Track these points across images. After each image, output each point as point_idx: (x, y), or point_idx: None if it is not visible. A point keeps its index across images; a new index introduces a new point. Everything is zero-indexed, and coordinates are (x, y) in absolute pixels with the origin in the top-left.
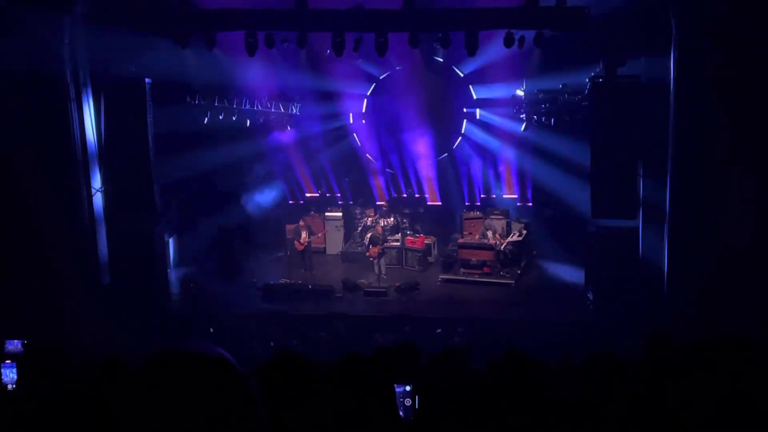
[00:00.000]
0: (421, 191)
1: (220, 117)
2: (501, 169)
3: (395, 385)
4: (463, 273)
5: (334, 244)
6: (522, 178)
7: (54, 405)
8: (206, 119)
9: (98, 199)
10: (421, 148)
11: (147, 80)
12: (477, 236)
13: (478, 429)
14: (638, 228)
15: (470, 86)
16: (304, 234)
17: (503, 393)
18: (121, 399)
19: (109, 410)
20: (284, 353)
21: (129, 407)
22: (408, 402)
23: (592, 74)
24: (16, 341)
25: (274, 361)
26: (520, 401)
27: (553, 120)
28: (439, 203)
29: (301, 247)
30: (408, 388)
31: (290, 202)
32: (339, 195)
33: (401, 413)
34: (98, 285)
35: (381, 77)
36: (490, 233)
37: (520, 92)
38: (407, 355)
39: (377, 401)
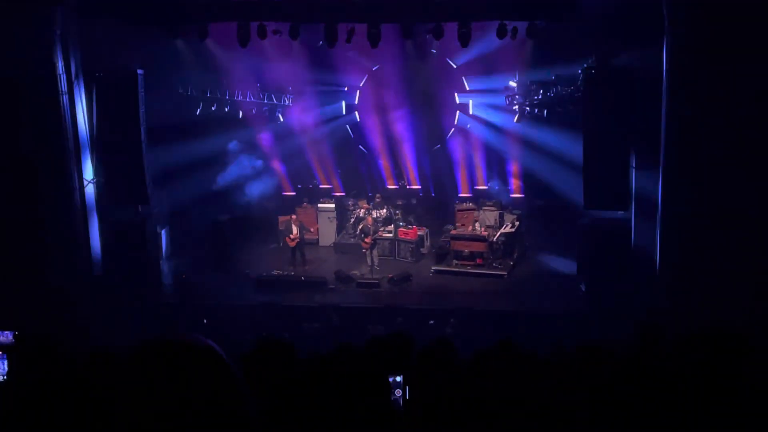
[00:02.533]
0: (413, 182)
1: (213, 108)
2: (494, 160)
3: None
4: (456, 264)
5: (327, 235)
6: (515, 170)
7: (44, 396)
8: (198, 110)
9: (90, 191)
10: (414, 139)
11: (139, 71)
12: (469, 228)
13: (469, 419)
14: (630, 219)
15: (463, 78)
16: (295, 229)
17: (493, 383)
18: (111, 389)
19: (99, 401)
20: (268, 342)
21: (118, 397)
22: (398, 393)
23: (585, 65)
24: (6, 332)
25: (259, 350)
26: (509, 391)
27: (545, 111)
28: (432, 194)
29: (292, 243)
30: (399, 378)
31: (283, 193)
32: (331, 186)
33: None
34: (90, 276)
35: (374, 68)
36: (478, 225)
37: (513, 83)
38: (400, 346)
39: (370, 392)
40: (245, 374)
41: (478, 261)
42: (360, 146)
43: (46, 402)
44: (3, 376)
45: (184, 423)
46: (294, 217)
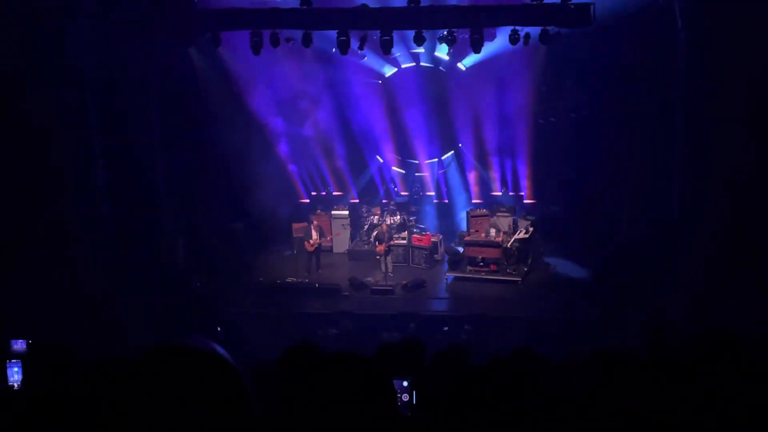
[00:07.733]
0: (427, 189)
1: (227, 115)
2: (507, 165)
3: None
4: (470, 270)
5: (341, 242)
6: (528, 175)
7: (58, 405)
8: (213, 118)
9: (104, 198)
10: (428, 144)
11: (153, 79)
12: (483, 234)
13: (482, 425)
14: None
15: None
16: (315, 235)
17: (505, 388)
18: (116, 394)
19: (110, 409)
20: (303, 344)
21: (124, 401)
22: (406, 397)
23: (598, 71)
24: (20, 341)
25: (294, 351)
26: (522, 397)
27: (559, 117)
28: (446, 201)
29: (311, 248)
30: (405, 383)
31: (299, 201)
32: (343, 193)
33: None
34: (103, 283)
35: (388, 75)
36: (493, 231)
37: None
38: (411, 352)
39: (378, 397)
40: (279, 379)
41: (493, 267)
42: (374, 154)
43: (59, 410)
44: (17, 384)
45: (186, 428)
46: (315, 222)
